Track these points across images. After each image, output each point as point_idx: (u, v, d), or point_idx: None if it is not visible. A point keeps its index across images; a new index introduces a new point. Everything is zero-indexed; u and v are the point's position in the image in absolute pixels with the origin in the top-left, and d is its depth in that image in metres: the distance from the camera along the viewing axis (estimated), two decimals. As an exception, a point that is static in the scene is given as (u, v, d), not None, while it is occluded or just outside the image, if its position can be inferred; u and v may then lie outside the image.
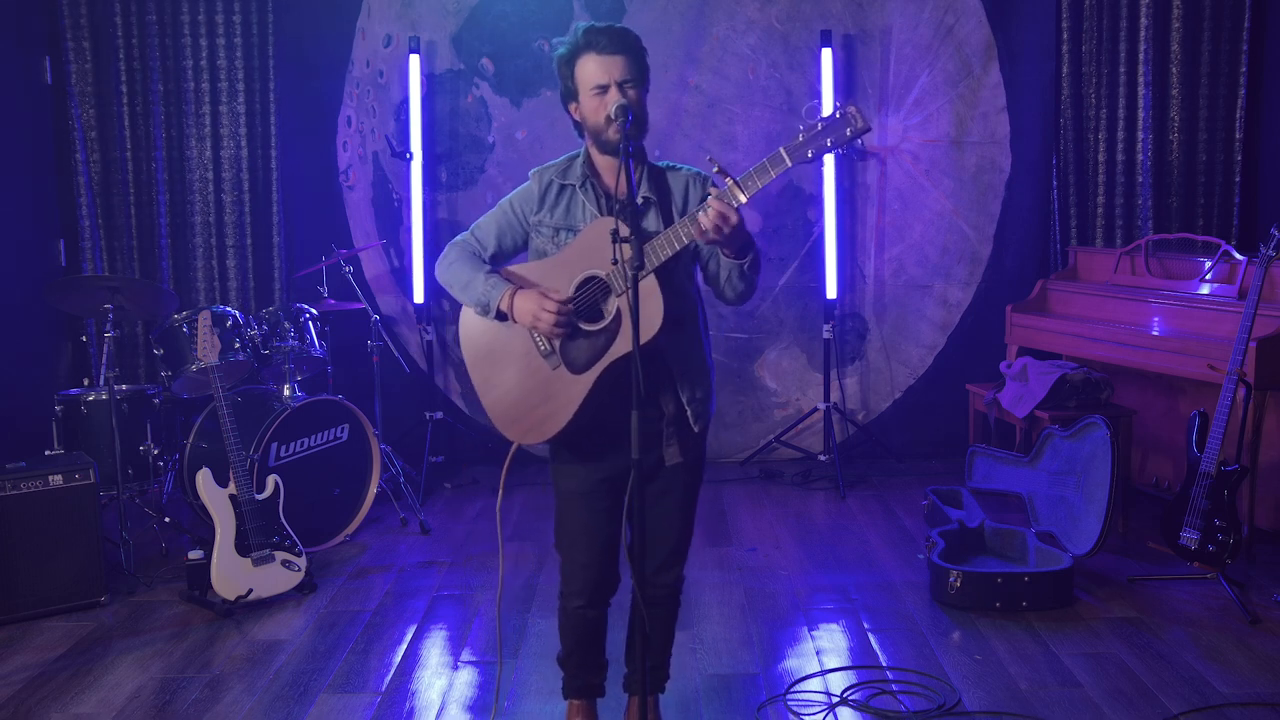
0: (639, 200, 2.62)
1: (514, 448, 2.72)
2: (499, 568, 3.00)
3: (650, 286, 2.45)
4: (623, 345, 2.53)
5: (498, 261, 2.77)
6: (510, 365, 2.70)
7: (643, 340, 2.37)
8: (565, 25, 5.80)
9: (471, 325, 2.77)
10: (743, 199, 2.40)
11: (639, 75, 2.58)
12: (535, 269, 2.69)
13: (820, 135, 2.35)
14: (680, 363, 2.66)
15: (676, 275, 2.59)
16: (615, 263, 2.47)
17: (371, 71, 5.95)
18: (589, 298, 2.59)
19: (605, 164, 2.67)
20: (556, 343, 2.63)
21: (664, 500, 2.74)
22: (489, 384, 2.75)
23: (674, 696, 3.24)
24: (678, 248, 2.46)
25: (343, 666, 3.60)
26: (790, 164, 2.37)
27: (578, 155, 2.72)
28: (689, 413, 2.69)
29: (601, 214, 2.64)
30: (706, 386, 2.73)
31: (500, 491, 2.83)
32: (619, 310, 2.54)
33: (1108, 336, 4.91)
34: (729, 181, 2.40)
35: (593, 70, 2.56)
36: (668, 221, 2.61)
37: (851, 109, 2.33)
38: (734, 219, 2.40)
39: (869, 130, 2.36)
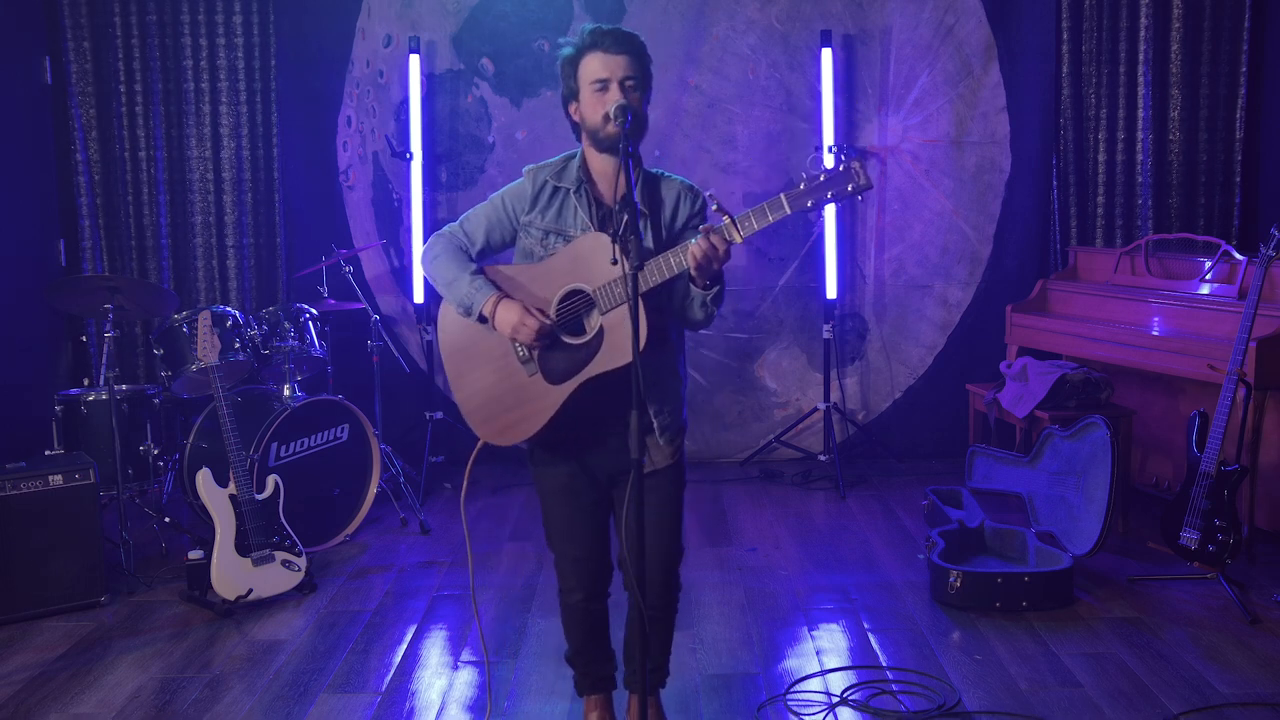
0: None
1: (479, 444, 2.73)
2: (468, 564, 3.00)
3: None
4: (601, 363, 2.55)
5: (484, 257, 2.76)
6: (486, 365, 2.70)
7: (629, 357, 2.37)
8: (565, 25, 5.80)
9: (450, 319, 2.77)
10: (738, 239, 2.43)
11: (641, 78, 2.59)
12: (521, 273, 2.68)
13: (822, 187, 2.40)
14: (651, 380, 2.64)
15: (655, 294, 2.59)
16: (615, 262, 2.46)
17: (371, 71, 5.95)
18: (572, 311, 2.60)
19: (600, 167, 2.66)
20: (535, 351, 2.63)
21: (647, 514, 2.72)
22: (463, 379, 2.75)
23: (674, 696, 3.24)
24: (668, 275, 2.48)
25: (343, 666, 3.60)
26: (789, 212, 2.42)
27: (574, 156, 2.71)
28: (655, 425, 2.70)
29: (593, 220, 2.64)
30: (676, 402, 2.74)
31: (464, 485, 2.84)
32: (601, 327, 2.56)
33: (1108, 336, 4.91)
34: (726, 220, 2.42)
35: (596, 66, 2.57)
36: (658, 234, 2.63)
37: (855, 164, 2.38)
38: (723, 257, 2.43)
39: (870, 188, 2.42)
